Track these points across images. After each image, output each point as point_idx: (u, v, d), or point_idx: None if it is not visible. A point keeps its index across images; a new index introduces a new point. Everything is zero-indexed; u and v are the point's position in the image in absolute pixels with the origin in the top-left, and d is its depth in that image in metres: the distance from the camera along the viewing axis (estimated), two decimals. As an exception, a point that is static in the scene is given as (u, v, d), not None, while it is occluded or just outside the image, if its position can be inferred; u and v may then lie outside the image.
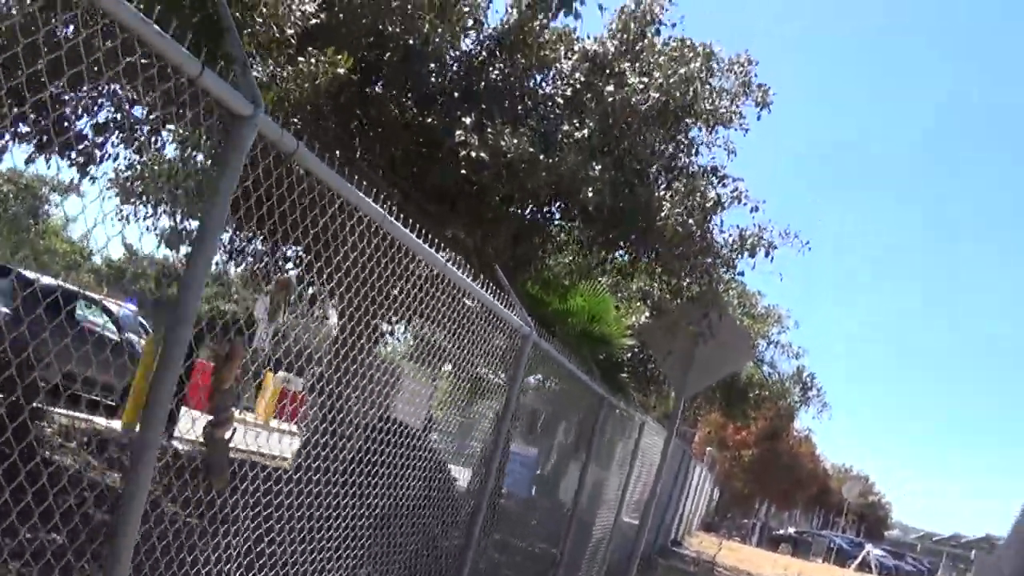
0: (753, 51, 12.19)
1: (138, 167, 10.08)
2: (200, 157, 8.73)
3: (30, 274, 15.47)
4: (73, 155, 8.42)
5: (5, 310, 12.89)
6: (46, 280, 15.69)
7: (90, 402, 13.71)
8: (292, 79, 7.82)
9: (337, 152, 8.60)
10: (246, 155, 2.98)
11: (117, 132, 8.39)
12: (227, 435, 3.57)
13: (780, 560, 39.75)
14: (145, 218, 10.29)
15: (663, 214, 9.59)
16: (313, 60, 7.93)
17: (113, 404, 15.09)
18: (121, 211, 10.42)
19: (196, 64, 2.71)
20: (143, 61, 2.86)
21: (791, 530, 59.37)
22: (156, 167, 10.19)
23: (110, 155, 8.85)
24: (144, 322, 19.97)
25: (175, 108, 4.82)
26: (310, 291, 7.25)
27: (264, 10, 7.47)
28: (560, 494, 12.26)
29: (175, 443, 9.09)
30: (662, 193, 10.13)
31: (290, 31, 7.79)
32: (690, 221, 9.90)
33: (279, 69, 7.99)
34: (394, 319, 8.37)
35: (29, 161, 8.39)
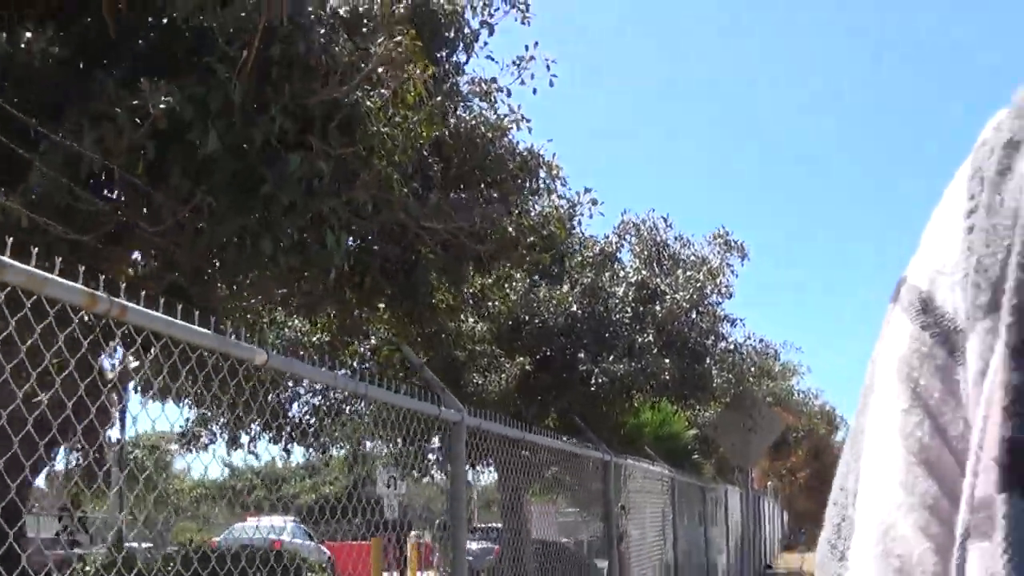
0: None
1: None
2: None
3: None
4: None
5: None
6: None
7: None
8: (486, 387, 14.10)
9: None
10: (463, 441, 5.57)
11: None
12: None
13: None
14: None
15: (714, 384, 15.93)
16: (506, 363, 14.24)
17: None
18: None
19: (439, 409, 5.29)
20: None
21: (861, 527, 64.85)
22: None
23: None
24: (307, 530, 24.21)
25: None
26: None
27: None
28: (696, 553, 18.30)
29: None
30: (710, 364, 16.49)
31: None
32: (731, 378, 16.28)
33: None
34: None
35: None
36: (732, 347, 17.85)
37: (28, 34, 5.70)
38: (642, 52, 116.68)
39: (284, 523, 22.31)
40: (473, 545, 20.00)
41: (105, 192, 5.78)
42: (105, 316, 2.60)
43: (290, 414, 17.47)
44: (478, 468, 11.02)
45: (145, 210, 5.68)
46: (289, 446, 17.96)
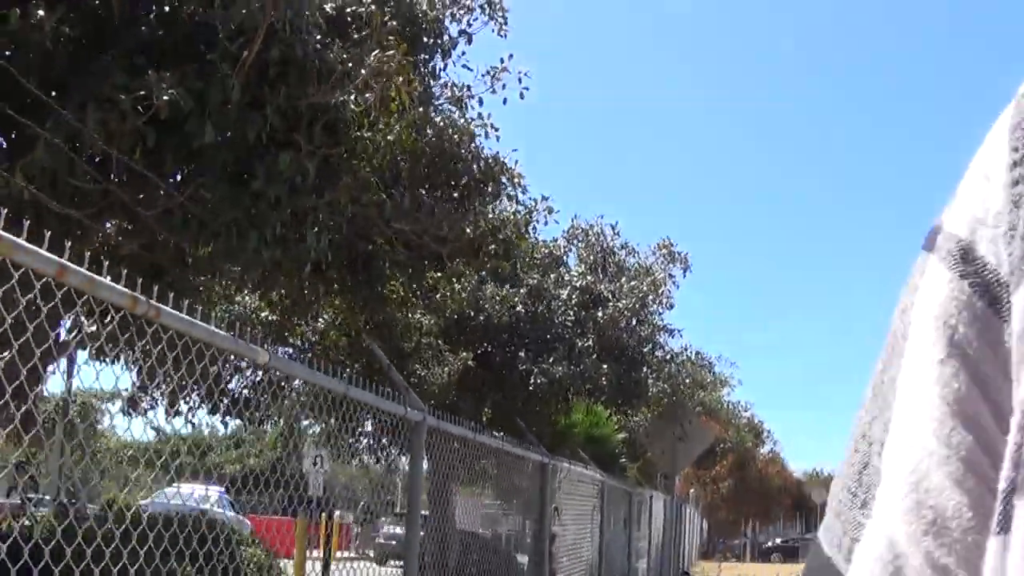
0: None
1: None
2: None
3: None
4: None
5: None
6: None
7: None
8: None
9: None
10: (423, 438, 6.34)
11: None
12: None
13: (773, 568, 46.32)
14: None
15: (649, 392, 16.49)
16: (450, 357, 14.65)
17: None
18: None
19: (404, 409, 7.78)
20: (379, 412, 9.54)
21: (777, 540, 66.05)
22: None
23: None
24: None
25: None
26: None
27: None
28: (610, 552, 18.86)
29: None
30: (647, 373, 17.05)
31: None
32: (666, 387, 16.85)
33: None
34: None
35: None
36: (669, 357, 18.44)
37: (40, 12, 5.99)
38: (615, 67, 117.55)
39: (207, 492, 22.28)
40: (397, 529, 20.34)
41: (101, 172, 6.05)
42: (143, 316, 2.95)
43: (230, 387, 17.70)
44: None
45: (141, 195, 5.99)
46: (226, 419, 18.22)
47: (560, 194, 45.80)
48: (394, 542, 20.37)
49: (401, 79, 6.25)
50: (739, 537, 67.28)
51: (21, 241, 2.61)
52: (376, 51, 6.08)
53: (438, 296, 13.40)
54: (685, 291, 28.02)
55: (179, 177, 5.92)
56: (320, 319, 14.59)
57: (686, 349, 20.05)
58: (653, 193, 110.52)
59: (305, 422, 15.91)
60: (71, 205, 5.87)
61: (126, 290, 2.88)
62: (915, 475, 0.60)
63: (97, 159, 5.86)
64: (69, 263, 2.70)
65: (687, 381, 21.61)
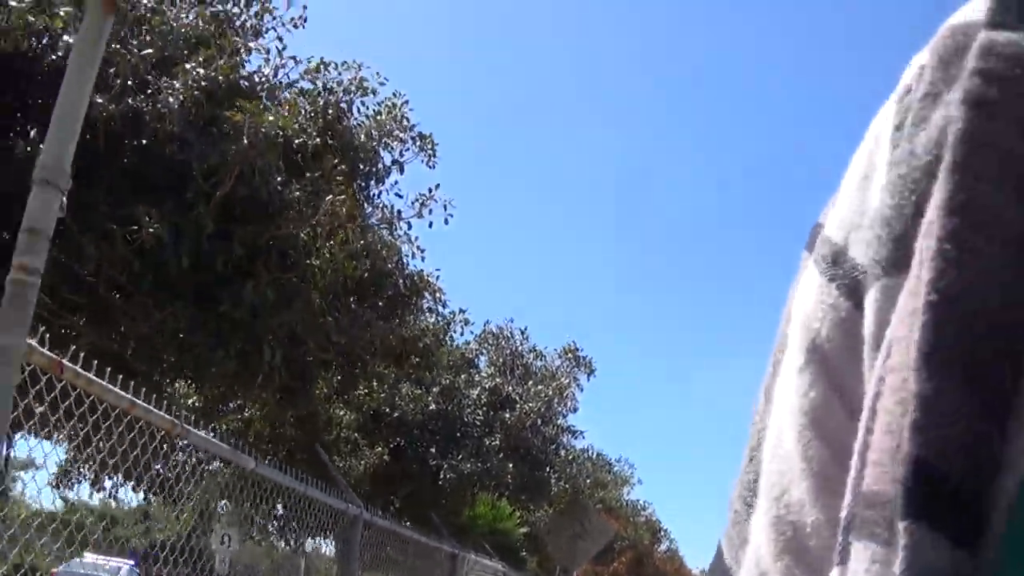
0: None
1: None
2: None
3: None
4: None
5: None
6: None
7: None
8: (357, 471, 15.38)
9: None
10: (360, 531, 10.17)
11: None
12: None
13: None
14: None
15: (552, 490, 17.53)
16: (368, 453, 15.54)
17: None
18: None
19: (346, 504, 9.98)
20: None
21: (673, 641, 66.74)
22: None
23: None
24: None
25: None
26: None
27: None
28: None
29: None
30: (550, 472, 18.12)
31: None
32: (567, 487, 17.94)
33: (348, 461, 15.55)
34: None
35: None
36: (572, 458, 19.58)
37: (28, 148, 6.98)
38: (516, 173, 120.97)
39: (120, 564, 22.52)
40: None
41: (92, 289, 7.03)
42: (174, 435, 3.93)
43: (155, 467, 18.33)
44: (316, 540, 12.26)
45: (124, 312, 6.95)
46: (149, 496, 18.79)
47: (474, 296, 47.04)
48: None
49: (349, 222, 7.34)
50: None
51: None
52: (330, 196, 7.17)
53: (357, 393, 14.32)
54: (588, 392, 29.27)
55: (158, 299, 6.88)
56: (247, 410, 15.39)
57: (588, 450, 21.29)
58: (560, 291, 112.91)
59: (222, 502, 16.64)
60: (68, 312, 6.81)
61: (165, 415, 3.86)
62: (776, 489, 0.58)
63: (90, 277, 6.82)
64: (118, 389, 3.70)
65: (588, 481, 22.79)
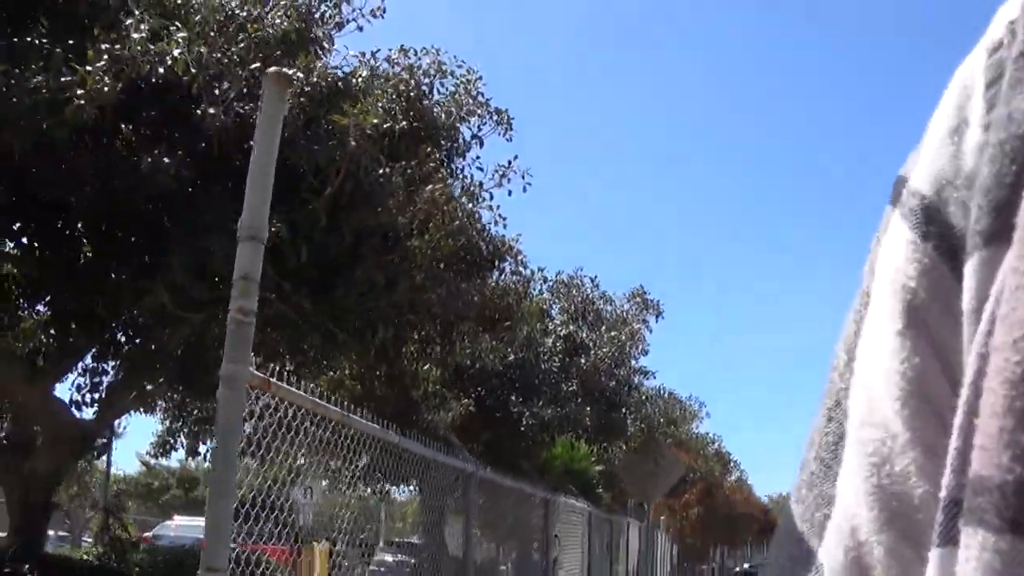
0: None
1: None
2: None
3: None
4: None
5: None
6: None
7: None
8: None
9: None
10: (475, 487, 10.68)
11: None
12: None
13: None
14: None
15: (628, 431, 18.29)
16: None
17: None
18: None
19: (462, 463, 10.75)
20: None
21: (745, 566, 67.89)
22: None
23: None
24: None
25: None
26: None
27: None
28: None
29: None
30: (625, 413, 18.87)
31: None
32: (643, 426, 18.69)
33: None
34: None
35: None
36: (645, 398, 20.29)
37: (166, 159, 7.73)
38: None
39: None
40: (388, 558, 21.74)
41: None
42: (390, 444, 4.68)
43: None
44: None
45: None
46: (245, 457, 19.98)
47: (546, 245, 47.72)
48: (383, 568, 21.85)
49: (446, 205, 8.03)
50: (707, 562, 68.95)
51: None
52: (429, 186, 7.86)
53: (441, 349, 15.12)
54: (657, 333, 29.92)
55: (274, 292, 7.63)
56: (335, 371, 16.27)
57: (660, 389, 21.98)
58: (626, 243, 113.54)
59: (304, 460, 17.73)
60: (192, 310, 7.62)
61: (384, 429, 4.62)
62: (877, 457, 0.54)
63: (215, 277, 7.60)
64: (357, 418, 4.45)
65: (660, 420, 23.51)
